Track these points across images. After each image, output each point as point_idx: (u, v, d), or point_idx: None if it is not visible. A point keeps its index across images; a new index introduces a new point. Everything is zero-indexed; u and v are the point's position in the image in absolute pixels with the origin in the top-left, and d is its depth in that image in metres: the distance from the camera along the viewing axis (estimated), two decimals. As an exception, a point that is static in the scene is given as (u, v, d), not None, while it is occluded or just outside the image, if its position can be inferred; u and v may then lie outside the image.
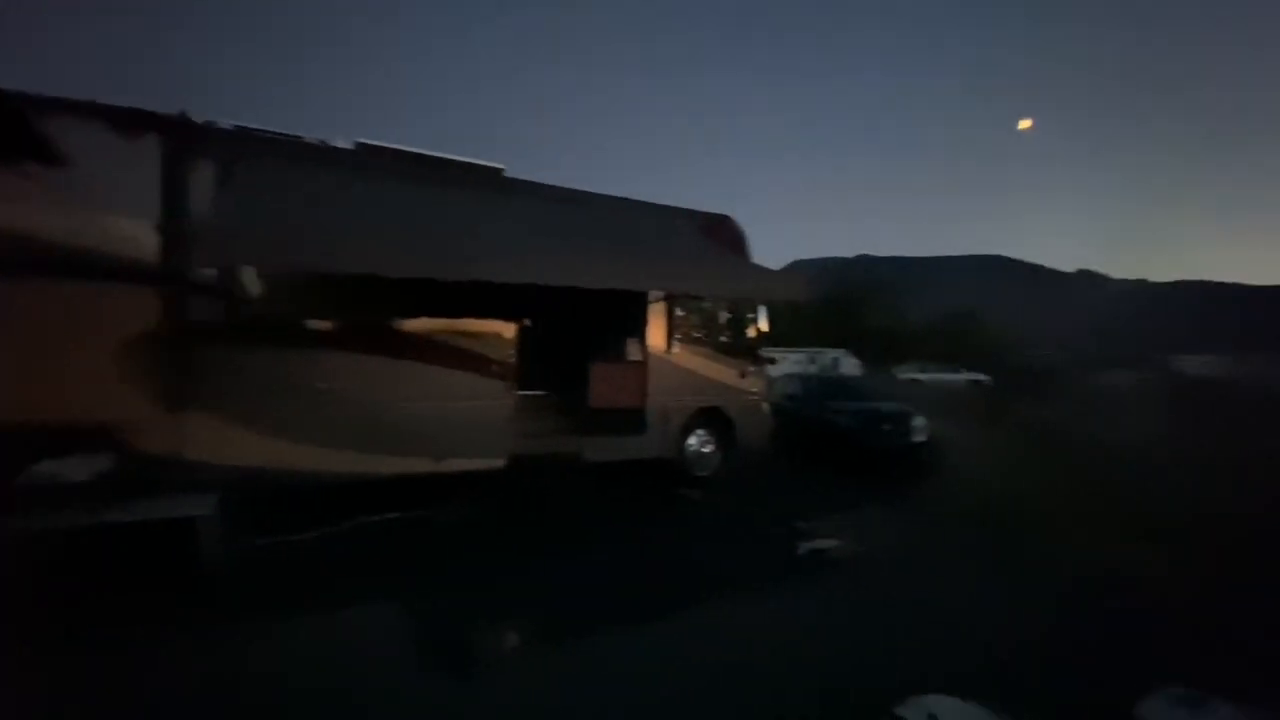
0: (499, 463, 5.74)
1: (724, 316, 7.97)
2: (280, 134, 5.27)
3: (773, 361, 27.59)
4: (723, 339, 7.88)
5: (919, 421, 9.11)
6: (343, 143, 5.68)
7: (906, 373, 29.13)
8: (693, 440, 7.42)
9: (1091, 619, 3.62)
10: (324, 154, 5.51)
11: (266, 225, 4.33)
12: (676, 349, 7.19)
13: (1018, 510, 5.72)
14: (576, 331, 6.99)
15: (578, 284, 5.37)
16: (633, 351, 6.96)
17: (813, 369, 24.60)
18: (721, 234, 7.81)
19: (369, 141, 5.80)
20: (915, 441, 8.97)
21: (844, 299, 39.68)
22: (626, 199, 7.38)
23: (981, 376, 28.63)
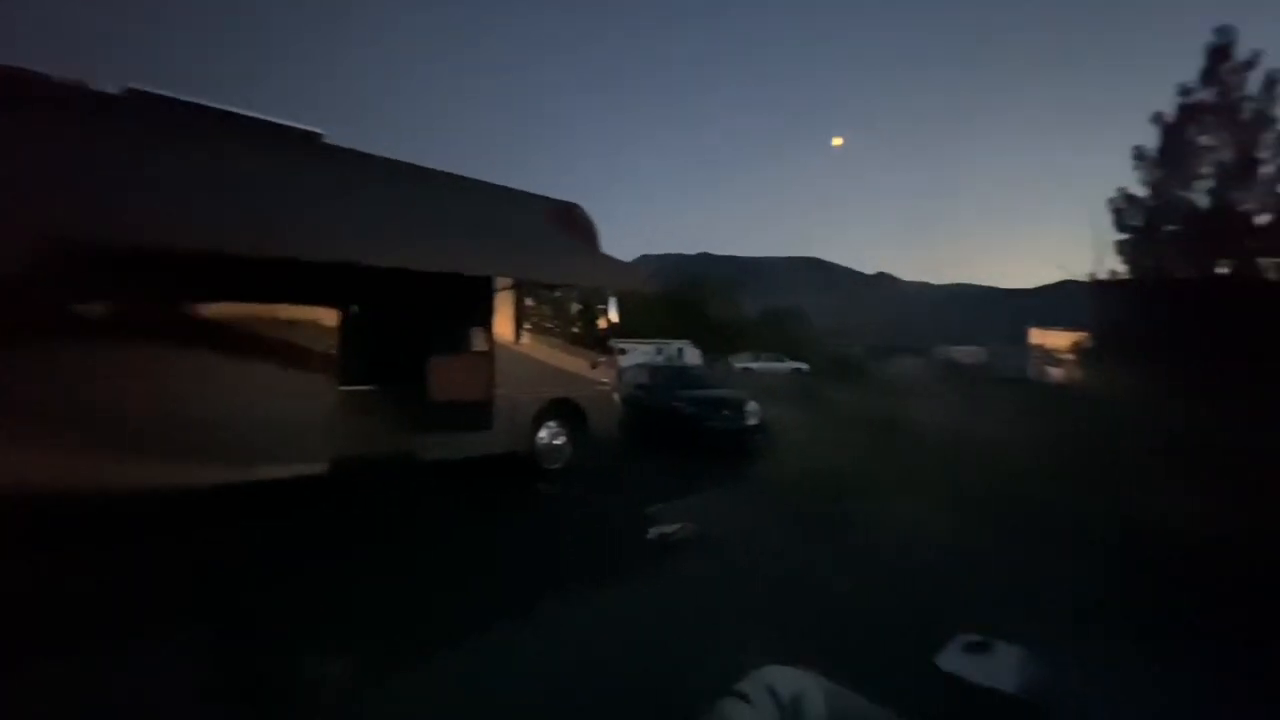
0: (321, 467, 5.06)
1: (574, 307, 7.85)
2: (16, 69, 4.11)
3: (623, 352, 28.27)
4: (573, 329, 7.75)
5: (753, 406, 9.82)
6: (112, 88, 4.58)
7: (741, 362, 31.53)
8: (544, 433, 7.22)
9: (899, 576, 4.09)
10: (85, 100, 4.40)
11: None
12: (525, 339, 6.91)
13: (834, 480, 6.34)
14: (414, 320, 6.41)
15: (412, 266, 4.91)
16: (477, 341, 6.56)
17: (659, 359, 25.57)
18: (570, 222, 7.67)
19: (146, 89, 4.75)
20: (750, 425, 9.64)
21: (687, 293, 41.79)
22: (469, 178, 6.94)
23: (802, 365, 31.90)
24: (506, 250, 6.19)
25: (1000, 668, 2.42)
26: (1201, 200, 10.68)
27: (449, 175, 6.71)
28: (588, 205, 7.76)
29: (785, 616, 3.45)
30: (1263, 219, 10.19)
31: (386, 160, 6.16)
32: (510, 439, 6.71)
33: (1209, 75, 10.66)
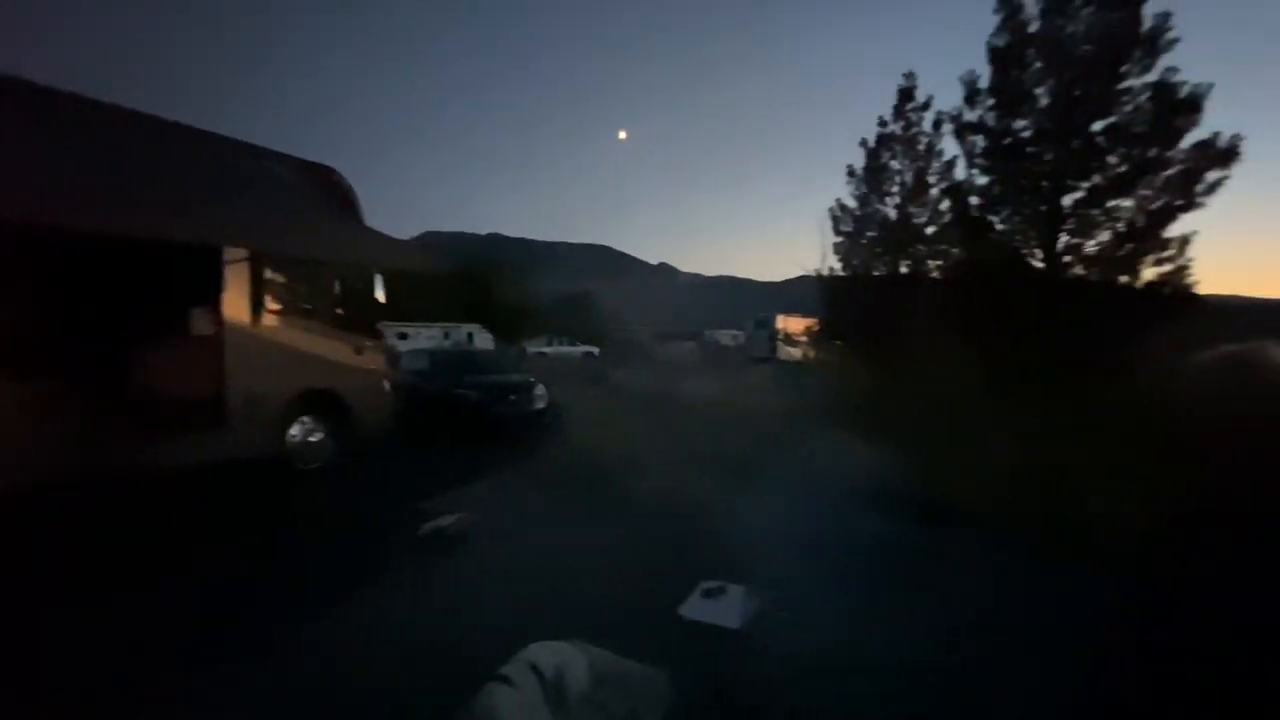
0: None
1: (334, 285, 6.98)
2: None
3: (404, 337, 26.11)
4: (334, 311, 6.90)
5: (540, 390, 9.86)
6: None
7: (535, 347, 31.53)
8: (296, 430, 6.34)
9: (665, 540, 4.46)
10: None
11: None
12: (269, 322, 5.94)
13: (613, 455, 6.69)
14: (110, 298, 5.12)
15: (103, 230, 3.91)
16: (200, 324, 5.47)
17: (447, 344, 24.25)
18: (325, 188, 6.79)
19: None
20: (538, 409, 9.68)
21: (478, 275, 40.16)
22: (189, 126, 5.74)
23: (594, 349, 32.98)
24: (234, 215, 5.23)
25: (730, 608, 2.76)
26: (890, 212, 13.54)
27: (164, 121, 5.46)
28: (367, 173, 6.93)
29: (560, 594, 3.52)
30: (930, 229, 13.23)
31: (80, 97, 4.78)
32: (251, 439, 5.74)
33: (897, 112, 13.45)
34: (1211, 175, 8.78)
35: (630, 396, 14.15)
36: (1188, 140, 8.85)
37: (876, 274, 13.45)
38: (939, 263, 12.23)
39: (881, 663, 2.48)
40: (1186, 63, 9.39)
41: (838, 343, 15.03)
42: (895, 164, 13.45)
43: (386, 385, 7.55)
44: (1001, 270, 9.69)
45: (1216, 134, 8.77)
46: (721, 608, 2.81)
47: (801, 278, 15.98)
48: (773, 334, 28.36)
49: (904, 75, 13.38)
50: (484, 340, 29.31)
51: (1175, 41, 9.04)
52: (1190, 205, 8.89)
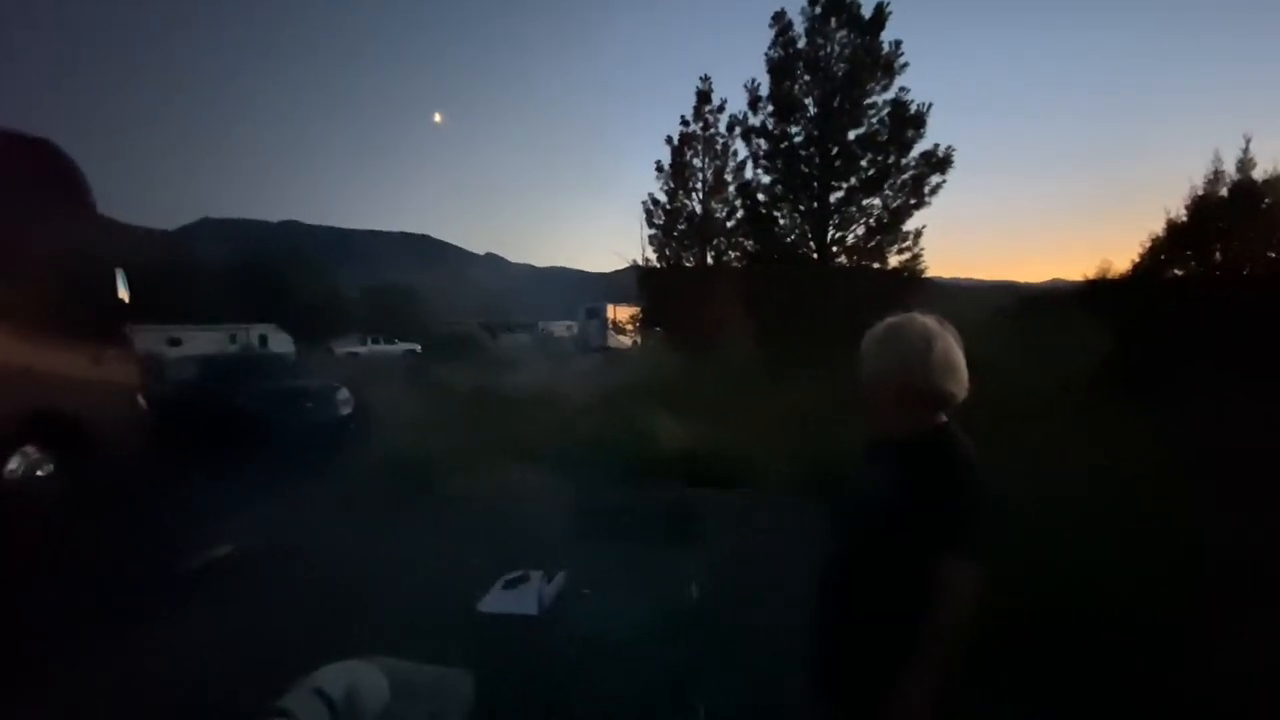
0: None
1: (57, 284, 5.68)
2: None
3: (175, 343, 22.28)
4: (61, 316, 5.62)
5: (344, 395, 9.03)
6: None
7: (345, 347, 28.70)
8: (15, 463, 5.10)
9: (465, 539, 4.39)
10: None
11: None
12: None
13: (424, 460, 6.39)
14: None
15: None
16: None
17: (232, 349, 21.10)
18: (38, 165, 5.52)
19: None
20: (341, 415, 8.86)
21: (270, 267, 35.32)
22: None
23: (415, 346, 30.93)
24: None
25: (528, 596, 2.83)
26: (696, 207, 14.62)
27: None
28: (114, 152, 5.67)
29: (354, 613, 3.30)
30: (730, 223, 14.50)
31: None
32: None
33: (697, 112, 14.51)
34: (934, 179, 10.82)
35: (454, 395, 13.55)
36: (917, 150, 10.81)
37: (687, 265, 14.45)
38: (737, 254, 13.51)
39: (654, 617, 2.73)
40: (916, 81, 11.43)
41: (658, 329, 15.92)
42: (697, 162, 14.53)
43: (140, 400, 6.38)
44: (782, 260, 11.00)
45: (937, 145, 10.81)
46: (520, 596, 2.88)
47: (626, 269, 16.61)
48: (604, 323, 29.03)
49: (700, 78, 14.47)
50: (280, 342, 26.05)
51: (906, 65, 10.93)
52: (921, 204, 10.89)
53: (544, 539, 3.78)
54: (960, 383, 1.29)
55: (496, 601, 2.88)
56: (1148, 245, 8.58)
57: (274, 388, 8.68)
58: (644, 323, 16.92)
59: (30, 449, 5.21)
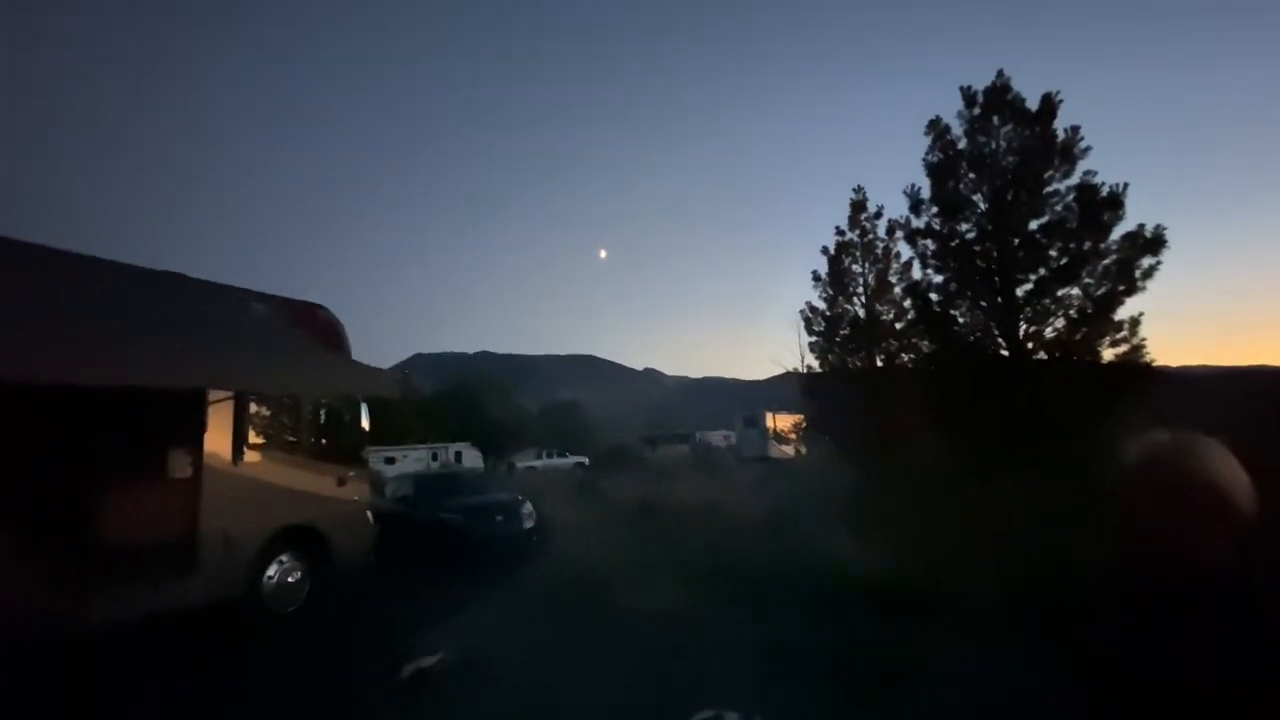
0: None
1: (314, 417, 7.05)
2: None
3: (390, 461, 25.71)
4: (316, 443, 6.91)
5: (528, 509, 9.63)
6: None
7: (525, 461, 31.07)
8: (273, 570, 6.10)
9: (656, 662, 4.25)
10: None
11: None
12: (249, 458, 5.93)
13: (603, 574, 6.46)
14: (81, 439, 5.13)
15: (80, 379, 4.03)
16: (177, 465, 5.44)
17: (434, 465, 23.86)
18: (311, 324, 7.06)
19: None
20: (526, 528, 9.40)
21: (465, 393, 40.38)
22: (178, 274, 6.05)
23: (583, 459, 32.53)
24: (214, 357, 5.40)
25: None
26: (859, 311, 14.22)
27: (148, 270, 5.77)
28: (355, 305, 7.25)
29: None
30: (898, 324, 13.82)
31: (54, 249, 5.09)
32: (223, 583, 5.53)
33: (853, 221, 14.56)
34: (1145, 261, 9.48)
35: (622, 507, 13.83)
36: (1117, 232, 9.66)
37: (852, 369, 13.87)
38: (910, 355, 12.69)
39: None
40: (1104, 163, 10.48)
41: (825, 437, 15.12)
42: (856, 267, 14.36)
43: (369, 516, 7.40)
44: (965, 359, 10.08)
45: (1142, 225, 9.59)
46: (718, 740, 2.67)
47: (783, 375, 16.38)
48: (764, 432, 28.37)
49: (854, 189, 14.67)
50: (473, 458, 28.93)
51: (1088, 149, 10.12)
52: (1132, 289, 9.52)
53: (734, 672, 3.54)
54: None
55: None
56: None
57: (470, 502, 9.55)
58: (808, 430, 16.19)
59: (285, 558, 6.23)
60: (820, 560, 6.35)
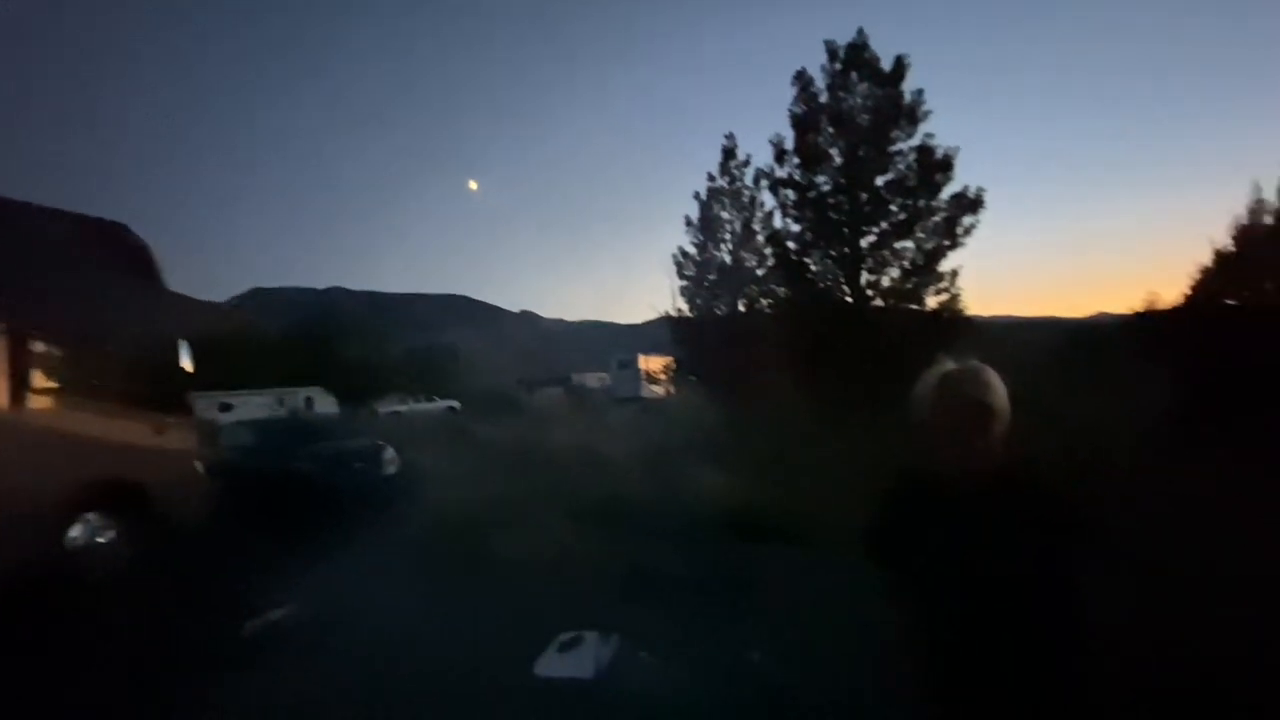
0: None
1: (122, 356, 6.05)
2: None
3: (226, 408, 23.22)
4: (129, 387, 5.95)
5: (389, 454, 9.20)
6: None
7: (388, 406, 29.37)
8: (79, 531, 5.30)
9: (521, 598, 4.34)
10: None
11: None
12: (34, 404, 4.98)
13: (467, 516, 6.40)
14: None
15: None
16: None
17: (280, 413, 21.81)
18: (113, 248, 5.98)
19: None
20: (386, 475, 9.00)
21: (316, 333, 36.84)
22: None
23: (455, 403, 31.48)
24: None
25: (585, 659, 2.76)
26: (726, 258, 14.84)
27: None
28: (175, 230, 6.15)
29: (410, 675, 3.28)
30: (760, 271, 14.62)
31: None
32: (14, 547, 4.72)
33: (723, 168, 14.94)
34: (967, 220, 10.78)
35: (495, 451, 13.68)
36: (946, 192, 10.83)
37: (718, 314, 14.56)
38: (769, 301, 13.56)
39: (715, 683, 2.62)
40: (942, 127, 11.60)
41: (692, 378, 15.89)
42: (725, 214, 14.85)
43: (198, 468, 6.62)
44: (816, 306, 10.98)
45: (966, 187, 10.83)
46: (576, 660, 2.80)
47: (660, 319, 16.81)
48: (637, 374, 29.14)
49: (725, 136, 14.99)
50: (326, 404, 26.84)
51: (929, 113, 11.10)
52: (955, 244, 10.83)
53: (596, 600, 3.71)
54: None
55: (552, 665, 2.82)
56: (1198, 276, 8.32)
57: (322, 449, 8.92)
58: (678, 372, 16.93)
59: (95, 516, 5.42)
60: (686, 495, 6.76)
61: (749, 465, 7.22)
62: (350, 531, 7.10)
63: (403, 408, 29.29)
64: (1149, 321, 9.07)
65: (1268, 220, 8.28)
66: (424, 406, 30.10)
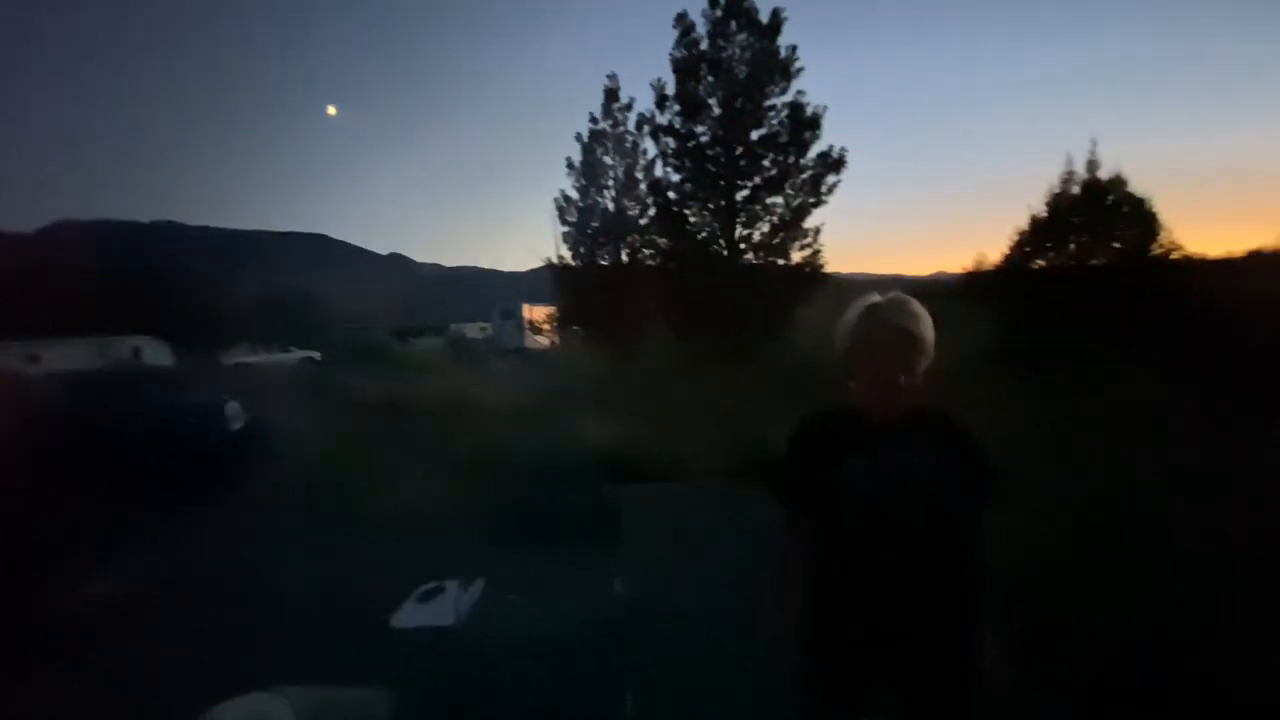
0: None
1: None
2: None
3: (34, 359, 19.79)
4: None
5: (233, 409, 8.28)
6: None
7: (235, 357, 26.42)
8: None
9: (381, 555, 4.19)
10: None
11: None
12: None
13: (335, 476, 6.00)
14: None
15: None
16: None
17: (101, 363, 18.90)
18: None
19: None
20: (231, 432, 8.12)
21: (144, 273, 31.89)
22: None
23: (314, 354, 28.97)
24: None
25: (445, 607, 2.74)
26: (609, 205, 14.63)
27: None
28: None
29: (260, 641, 3.06)
30: (643, 219, 14.63)
31: None
32: None
33: (606, 110, 14.51)
34: (830, 178, 11.44)
35: (362, 405, 12.79)
36: (814, 151, 11.38)
37: (603, 263, 14.43)
38: (651, 251, 13.66)
39: (579, 616, 2.72)
40: (814, 85, 12.05)
41: (576, 329, 15.80)
42: (608, 159, 14.53)
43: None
44: (694, 258, 11.25)
45: (832, 146, 11.44)
46: (436, 608, 2.77)
47: (542, 267, 16.30)
48: (520, 324, 28.37)
49: (607, 76, 14.48)
50: (159, 355, 23.61)
51: (801, 70, 11.47)
52: (819, 202, 11.48)
53: (464, 549, 3.67)
54: None
55: (410, 616, 2.77)
56: (1015, 239, 9.51)
57: (151, 405, 7.84)
58: (561, 322, 16.73)
59: None
60: (566, 443, 6.77)
61: (628, 412, 7.37)
62: (187, 494, 6.40)
63: (253, 359, 26.53)
64: (976, 279, 10.26)
65: (1075, 190, 9.47)
66: (279, 358, 27.46)
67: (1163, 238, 8.80)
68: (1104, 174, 9.16)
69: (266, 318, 36.82)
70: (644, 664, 2.70)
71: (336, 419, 10.66)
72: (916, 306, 1.33)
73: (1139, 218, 8.91)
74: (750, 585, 3.11)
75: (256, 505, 5.80)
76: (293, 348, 29.25)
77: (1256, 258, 9.01)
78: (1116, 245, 9.01)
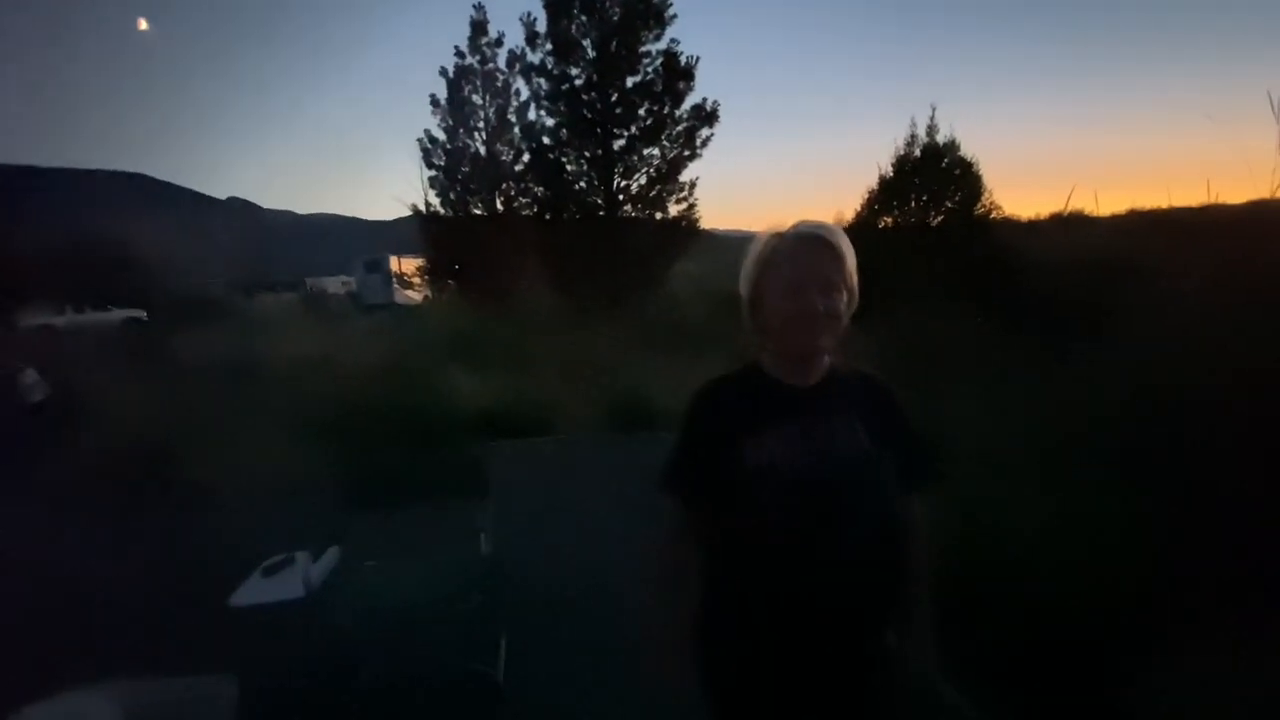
0: None
1: None
2: None
3: None
4: None
5: (30, 378, 7.08)
6: None
7: (37, 318, 22.35)
8: None
9: (223, 531, 3.83)
10: None
11: None
12: None
13: (165, 449, 5.35)
14: None
15: None
16: None
17: None
18: None
19: None
20: (31, 403, 6.96)
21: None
22: None
23: (139, 313, 25.22)
24: None
25: (293, 579, 2.57)
26: (480, 148, 13.79)
27: None
28: None
29: (85, 634, 2.73)
30: (518, 165, 13.99)
31: None
32: None
33: (473, 45, 13.46)
34: (704, 131, 11.59)
35: (199, 370, 11.35)
36: (689, 102, 11.43)
37: (476, 212, 13.67)
38: (528, 200, 13.15)
39: (442, 575, 2.69)
40: (688, 35, 11.94)
41: (450, 283, 14.99)
42: (477, 98, 13.58)
43: None
44: (572, 208, 11.03)
45: (705, 99, 11.55)
46: (282, 582, 2.59)
47: (411, 216, 15.10)
48: (388, 276, 26.47)
49: (474, 6, 13.34)
50: (-80, 317, 19.32)
51: (675, 17, 11.34)
52: (694, 155, 11.62)
53: (319, 519, 3.45)
54: None
55: (253, 592, 2.57)
56: (865, 198, 10.28)
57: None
58: (433, 275, 15.76)
59: None
60: (436, 401, 6.49)
61: (501, 368, 7.21)
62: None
63: (59, 319, 22.64)
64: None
65: (917, 153, 10.30)
66: (92, 317, 23.64)
67: (985, 199, 9.93)
68: (941, 138, 10.10)
69: (76, 272, 31.14)
70: (512, 620, 2.74)
71: (168, 386, 9.41)
72: (837, 228, 1.11)
73: (966, 180, 9.95)
74: (622, 539, 3.25)
75: (68, 488, 5.02)
76: (112, 307, 25.23)
77: (1055, 219, 10.51)
78: (949, 205, 10.05)
